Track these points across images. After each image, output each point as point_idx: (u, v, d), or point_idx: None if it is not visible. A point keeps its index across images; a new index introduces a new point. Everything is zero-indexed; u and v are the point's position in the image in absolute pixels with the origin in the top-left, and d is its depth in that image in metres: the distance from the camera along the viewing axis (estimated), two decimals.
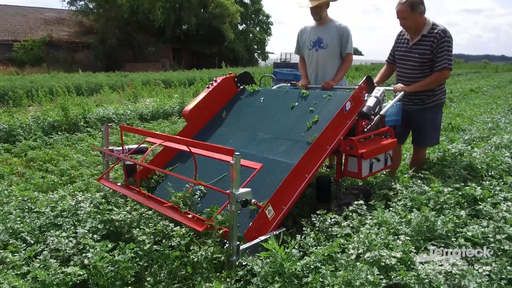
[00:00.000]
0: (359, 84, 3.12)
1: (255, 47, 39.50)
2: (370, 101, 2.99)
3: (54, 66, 25.14)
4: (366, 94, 3.09)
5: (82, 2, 29.95)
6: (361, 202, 2.57)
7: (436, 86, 3.48)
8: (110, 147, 3.25)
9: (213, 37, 33.28)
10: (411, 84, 3.47)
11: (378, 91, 3.07)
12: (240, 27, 38.19)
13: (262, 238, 2.21)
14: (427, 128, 3.60)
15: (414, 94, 3.50)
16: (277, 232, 2.29)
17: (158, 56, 31.43)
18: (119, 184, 3.15)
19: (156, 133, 2.96)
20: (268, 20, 40.12)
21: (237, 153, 2.00)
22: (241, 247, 2.09)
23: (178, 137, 3.17)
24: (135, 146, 3.39)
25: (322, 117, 3.07)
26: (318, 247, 2.12)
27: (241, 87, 3.98)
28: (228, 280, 1.91)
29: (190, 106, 3.67)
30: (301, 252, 2.10)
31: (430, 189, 2.72)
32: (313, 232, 2.29)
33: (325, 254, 1.96)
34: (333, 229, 2.34)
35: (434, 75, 3.37)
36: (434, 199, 2.59)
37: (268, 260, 1.90)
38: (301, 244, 2.18)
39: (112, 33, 28.94)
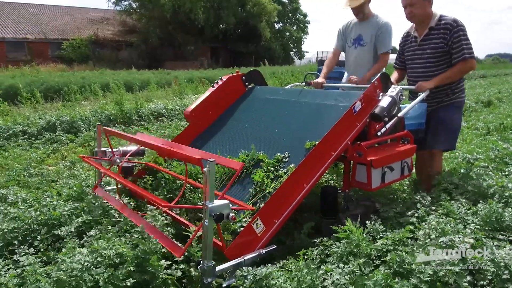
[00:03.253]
0: (373, 81, 2.75)
1: (292, 45, 39.51)
2: (384, 101, 2.62)
3: (99, 63, 26.31)
4: (380, 94, 2.73)
5: (126, 2, 31.12)
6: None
7: (459, 79, 3.20)
8: (104, 149, 2.98)
9: (250, 35, 33.65)
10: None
11: (394, 89, 2.71)
12: (277, 26, 38.33)
13: (246, 257, 1.97)
14: (439, 129, 3.23)
15: (431, 93, 3.13)
16: (264, 251, 2.04)
17: (197, 55, 32.15)
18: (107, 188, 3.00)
19: (134, 138, 2.72)
20: (306, 19, 40.07)
21: (211, 159, 1.76)
22: (218, 268, 1.84)
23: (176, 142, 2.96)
24: (129, 148, 3.08)
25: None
26: (387, 233, 2.23)
27: (250, 86, 3.69)
28: (305, 257, 2.06)
29: (192, 106, 3.40)
30: (371, 237, 2.21)
31: (493, 182, 2.76)
32: (380, 219, 2.39)
33: (396, 239, 2.07)
34: (399, 218, 2.44)
35: (456, 66, 3.07)
36: (499, 193, 2.63)
37: (344, 241, 2.04)
38: (370, 230, 2.29)
39: (154, 32, 29.84)
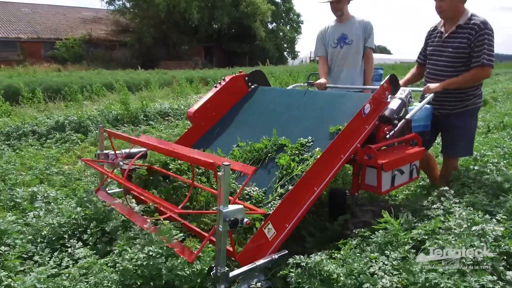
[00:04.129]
0: (382, 83, 2.73)
1: (285, 45, 39.73)
2: (394, 104, 2.62)
3: (93, 63, 26.18)
4: (389, 96, 2.72)
5: (120, 2, 31.00)
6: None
7: (471, 85, 3.11)
8: (106, 151, 2.92)
9: (244, 35, 33.77)
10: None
11: (403, 92, 2.72)
12: (271, 26, 38.51)
13: (258, 262, 1.95)
14: (457, 137, 3.22)
15: (444, 96, 3.11)
16: (276, 256, 2.02)
17: (191, 55, 32.18)
18: (109, 191, 2.92)
19: (140, 141, 2.62)
20: (299, 19, 40.34)
21: (226, 163, 1.73)
22: (231, 273, 1.84)
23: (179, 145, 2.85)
24: (132, 150, 3.01)
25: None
26: (418, 224, 2.37)
27: (253, 86, 3.68)
28: (345, 247, 2.19)
29: (195, 107, 3.39)
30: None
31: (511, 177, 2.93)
32: (410, 212, 2.53)
33: (429, 229, 2.22)
34: (425, 211, 2.59)
35: (471, 72, 3.00)
36: None
37: (381, 231, 2.18)
38: (403, 222, 2.41)
39: (148, 31, 29.78)
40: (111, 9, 31.68)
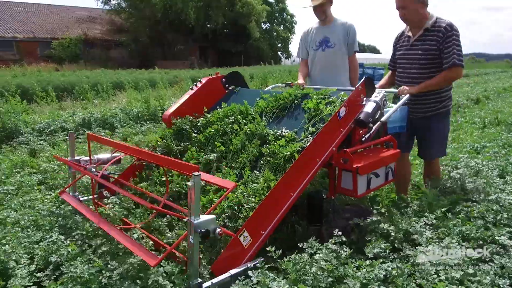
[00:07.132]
0: (357, 86, 2.71)
1: (279, 45, 40.36)
2: (369, 107, 2.62)
3: (90, 63, 26.36)
4: (364, 98, 2.71)
5: (116, 2, 31.19)
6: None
7: (445, 87, 3.15)
8: (78, 157, 2.94)
9: (239, 35, 34.26)
10: (416, 86, 3.08)
11: (378, 94, 2.71)
12: (264, 26, 39.09)
13: (233, 272, 1.91)
14: (434, 139, 3.27)
15: (418, 100, 3.14)
16: (251, 264, 1.98)
17: (186, 54, 32.55)
18: (81, 198, 2.96)
19: (122, 144, 2.65)
20: (292, 19, 41.01)
21: (196, 173, 1.70)
22: (204, 285, 1.80)
23: (146, 151, 2.74)
24: (105, 156, 2.96)
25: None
26: (442, 197, 2.90)
27: (230, 88, 3.64)
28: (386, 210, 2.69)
29: (170, 109, 3.33)
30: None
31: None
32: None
33: (453, 201, 2.76)
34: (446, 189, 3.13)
35: (443, 73, 3.01)
36: None
37: (416, 201, 2.71)
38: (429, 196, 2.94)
39: (144, 31, 30.04)
40: (107, 8, 31.85)
